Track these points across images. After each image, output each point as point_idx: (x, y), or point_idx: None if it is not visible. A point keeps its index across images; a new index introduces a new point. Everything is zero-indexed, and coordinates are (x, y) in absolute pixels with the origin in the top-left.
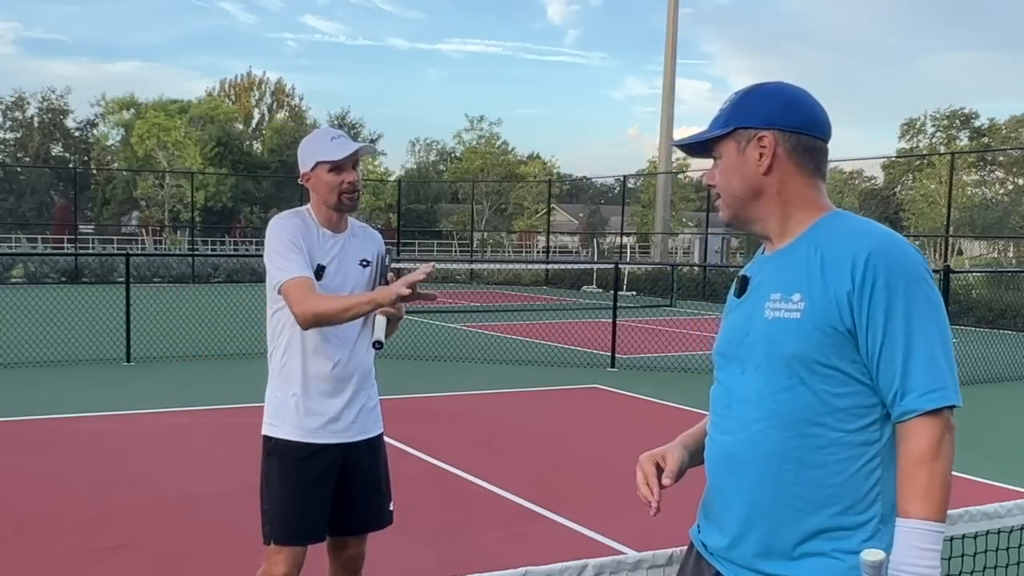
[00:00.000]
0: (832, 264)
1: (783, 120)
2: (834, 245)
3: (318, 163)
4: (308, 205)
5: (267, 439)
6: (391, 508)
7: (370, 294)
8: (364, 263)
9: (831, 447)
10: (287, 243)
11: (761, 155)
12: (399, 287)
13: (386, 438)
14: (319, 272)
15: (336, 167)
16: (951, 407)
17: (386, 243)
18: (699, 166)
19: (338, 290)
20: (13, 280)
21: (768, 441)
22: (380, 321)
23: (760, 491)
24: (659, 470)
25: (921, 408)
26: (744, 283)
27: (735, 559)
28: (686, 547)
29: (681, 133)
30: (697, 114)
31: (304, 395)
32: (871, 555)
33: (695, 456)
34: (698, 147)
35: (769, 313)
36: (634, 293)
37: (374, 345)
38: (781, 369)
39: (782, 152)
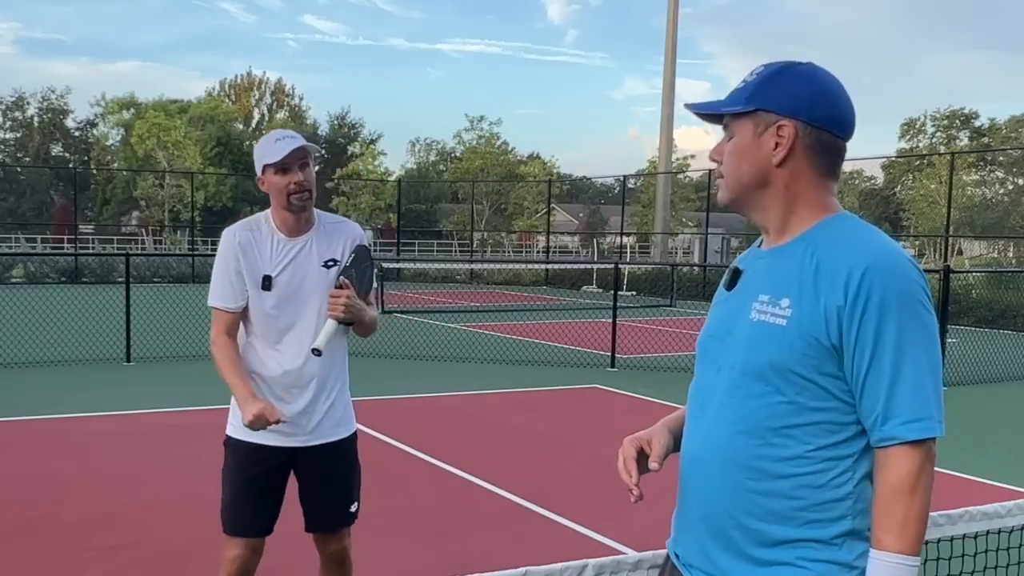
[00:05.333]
0: (826, 274)
1: (808, 112)
2: (831, 253)
3: (265, 166)
4: (269, 209)
5: (225, 436)
6: (352, 509)
7: (242, 396)
8: (329, 263)
9: (798, 459)
10: (219, 266)
11: (777, 145)
12: (247, 418)
13: (386, 438)
14: (267, 283)
15: (281, 168)
16: (933, 439)
17: (385, 243)
18: (699, 166)
19: (292, 297)
20: (13, 280)
21: (734, 447)
22: (328, 326)
23: (722, 497)
24: (643, 455)
25: (903, 437)
26: (736, 275)
27: (699, 565)
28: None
29: (681, 132)
30: None
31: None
32: None
33: (678, 441)
34: (710, 114)
35: (755, 315)
36: (634, 293)
37: (313, 351)
38: (757, 375)
39: (800, 147)
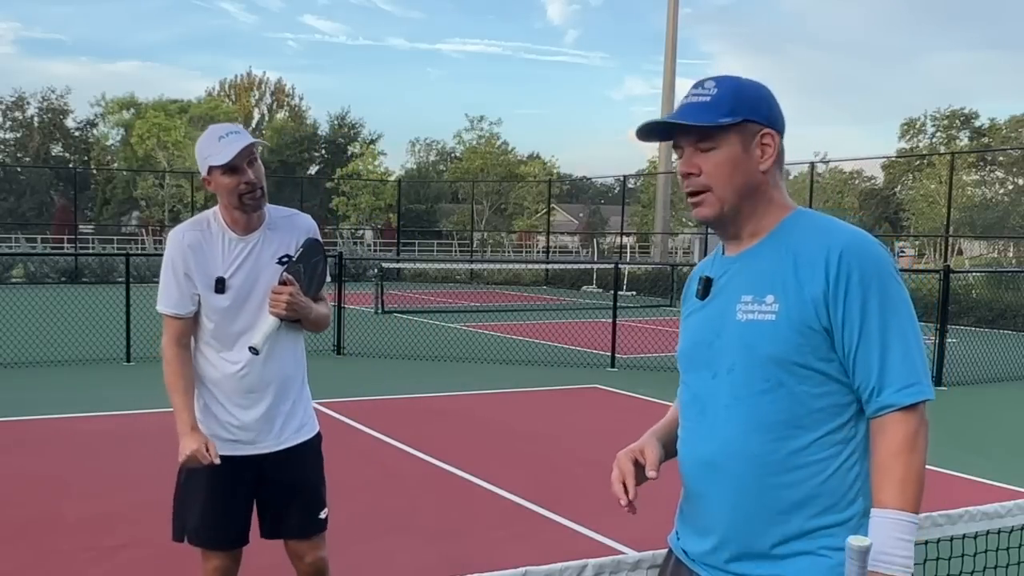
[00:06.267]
0: (805, 263)
1: (776, 120)
2: (805, 244)
3: (211, 167)
4: (216, 207)
5: None
6: (322, 516)
7: (182, 425)
8: (284, 260)
9: (811, 447)
10: (167, 269)
11: (763, 153)
12: (182, 454)
13: (386, 438)
14: (220, 286)
15: (230, 169)
16: (925, 401)
17: (385, 243)
18: None
19: (248, 298)
20: (13, 280)
21: (749, 445)
22: (268, 324)
23: (743, 496)
24: (638, 466)
25: (899, 403)
26: (708, 284)
27: (719, 564)
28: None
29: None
30: None
31: (211, 404)
32: (858, 541)
33: (670, 447)
34: (660, 130)
35: (742, 316)
36: (634, 293)
37: (250, 350)
38: (759, 372)
39: (776, 153)
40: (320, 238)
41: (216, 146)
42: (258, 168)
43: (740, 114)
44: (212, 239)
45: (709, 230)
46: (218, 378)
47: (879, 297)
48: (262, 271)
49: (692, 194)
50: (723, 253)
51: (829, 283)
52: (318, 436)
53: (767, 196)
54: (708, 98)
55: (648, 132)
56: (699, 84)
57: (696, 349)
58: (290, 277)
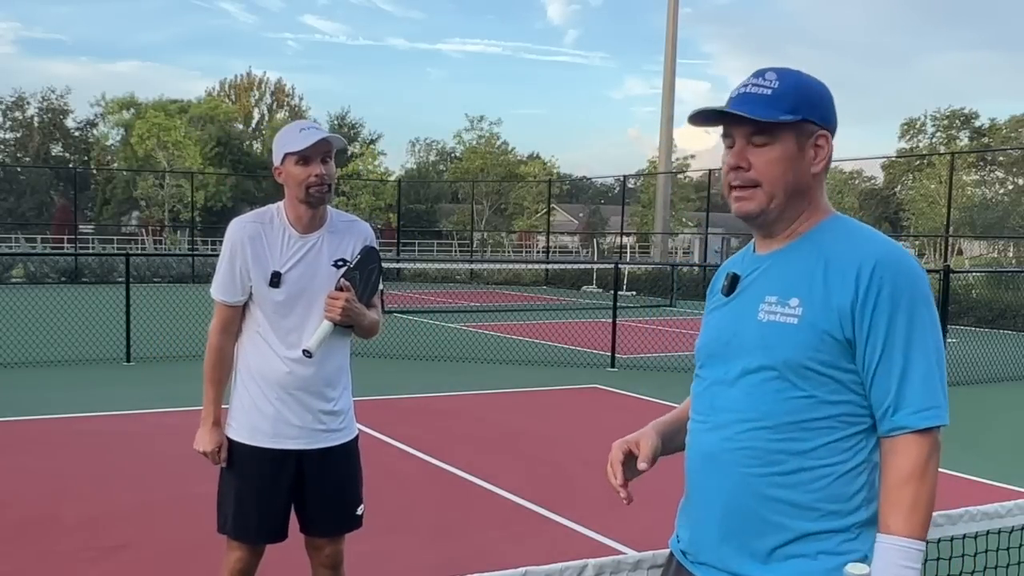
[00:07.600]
0: (836, 271)
1: (832, 122)
2: (839, 251)
3: (286, 155)
4: (281, 202)
5: (226, 437)
6: (359, 512)
7: (206, 417)
8: (339, 263)
9: (817, 451)
10: (224, 257)
11: (816, 155)
12: (197, 445)
13: (386, 438)
14: (275, 279)
15: (303, 159)
16: (939, 427)
17: (385, 243)
18: (699, 166)
19: (301, 294)
20: (13, 280)
21: (754, 442)
22: (323, 328)
23: (742, 492)
24: (631, 457)
25: (913, 426)
26: (735, 281)
27: (713, 562)
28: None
29: (681, 132)
30: None
31: (255, 396)
32: (856, 569)
33: (669, 442)
34: (712, 115)
35: (764, 316)
36: (634, 293)
37: (303, 352)
38: (773, 372)
39: (828, 156)
40: (377, 246)
41: (296, 136)
42: (331, 167)
43: (800, 112)
44: (273, 233)
45: (709, 230)
46: (264, 371)
47: (907, 315)
48: (318, 271)
49: (736, 187)
50: (754, 250)
51: (858, 295)
52: (357, 437)
53: (811, 198)
54: (769, 91)
55: (701, 116)
56: (759, 74)
57: (714, 345)
58: (347, 283)
